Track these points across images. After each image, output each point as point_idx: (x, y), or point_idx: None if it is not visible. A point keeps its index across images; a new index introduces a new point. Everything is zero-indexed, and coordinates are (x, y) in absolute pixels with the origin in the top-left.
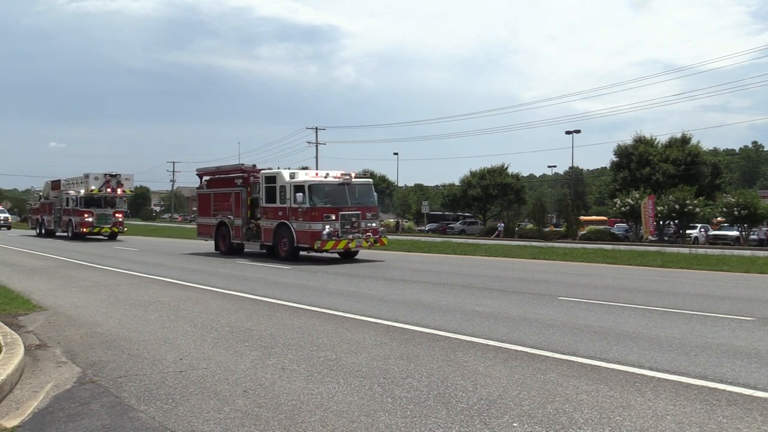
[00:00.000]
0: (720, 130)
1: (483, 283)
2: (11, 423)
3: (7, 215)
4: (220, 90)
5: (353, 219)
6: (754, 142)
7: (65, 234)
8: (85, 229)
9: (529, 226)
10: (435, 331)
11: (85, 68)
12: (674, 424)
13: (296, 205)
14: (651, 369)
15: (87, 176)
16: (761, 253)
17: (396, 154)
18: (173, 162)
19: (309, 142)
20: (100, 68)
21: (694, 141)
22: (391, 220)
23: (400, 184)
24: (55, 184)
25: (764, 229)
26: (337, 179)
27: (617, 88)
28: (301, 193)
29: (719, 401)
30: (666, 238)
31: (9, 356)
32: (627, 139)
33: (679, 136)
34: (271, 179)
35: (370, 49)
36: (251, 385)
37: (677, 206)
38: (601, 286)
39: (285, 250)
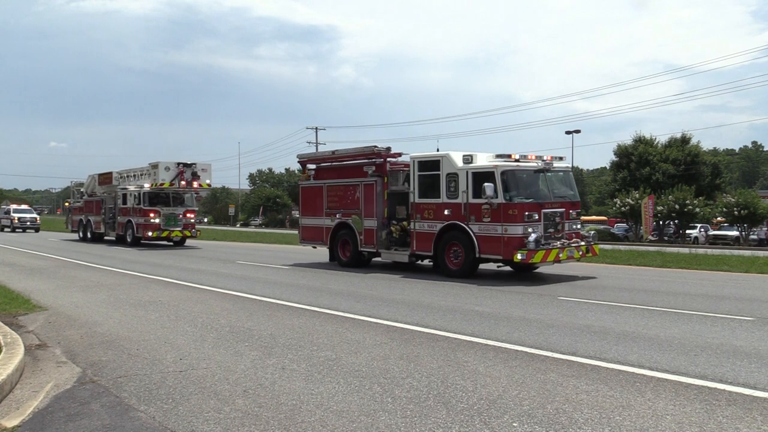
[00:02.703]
0: (720, 130)
1: (480, 282)
2: (11, 423)
3: (35, 215)
4: (220, 90)
5: (557, 219)
6: (754, 142)
7: (114, 239)
8: (150, 233)
9: None
10: (435, 331)
11: (85, 68)
12: (674, 424)
13: (481, 201)
14: (651, 369)
15: (155, 166)
16: (761, 253)
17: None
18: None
19: (309, 142)
20: (100, 68)
21: (694, 141)
22: None
23: None
24: (105, 178)
25: (764, 229)
26: (533, 163)
27: (617, 88)
28: (490, 184)
29: (719, 401)
30: (666, 238)
31: (9, 356)
32: (627, 139)
33: (679, 136)
34: (431, 165)
35: (369, 49)
36: (251, 385)
37: (677, 206)
38: (601, 286)
39: (458, 262)
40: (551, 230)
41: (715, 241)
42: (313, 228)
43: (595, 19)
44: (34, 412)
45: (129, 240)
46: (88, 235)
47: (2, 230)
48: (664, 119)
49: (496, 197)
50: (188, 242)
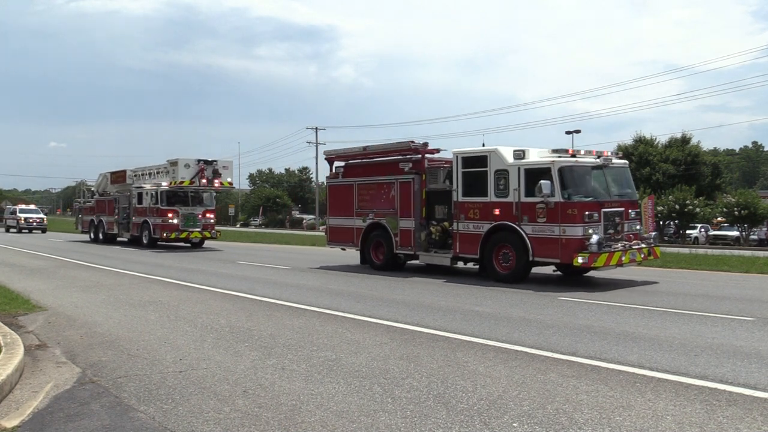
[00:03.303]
0: (720, 130)
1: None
2: (11, 423)
3: (42, 216)
4: (220, 90)
5: (616, 219)
6: (754, 142)
7: (126, 240)
8: (167, 234)
9: None
10: (435, 331)
11: (85, 68)
12: (674, 424)
13: (535, 199)
14: (651, 369)
15: (174, 163)
16: (761, 253)
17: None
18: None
19: (309, 142)
20: (100, 68)
21: (694, 141)
22: None
23: None
24: (118, 176)
25: (764, 229)
26: (591, 159)
27: (617, 88)
28: (546, 181)
29: (719, 401)
30: (666, 238)
31: (9, 356)
32: (627, 139)
33: (679, 136)
34: (478, 161)
35: (369, 49)
36: (251, 385)
37: (677, 206)
38: (600, 286)
39: (508, 265)
40: (611, 231)
41: (715, 242)
42: (343, 229)
43: (595, 19)
44: (34, 413)
45: (145, 241)
46: (100, 236)
47: (8, 231)
48: (664, 119)
49: (553, 195)
50: (206, 243)
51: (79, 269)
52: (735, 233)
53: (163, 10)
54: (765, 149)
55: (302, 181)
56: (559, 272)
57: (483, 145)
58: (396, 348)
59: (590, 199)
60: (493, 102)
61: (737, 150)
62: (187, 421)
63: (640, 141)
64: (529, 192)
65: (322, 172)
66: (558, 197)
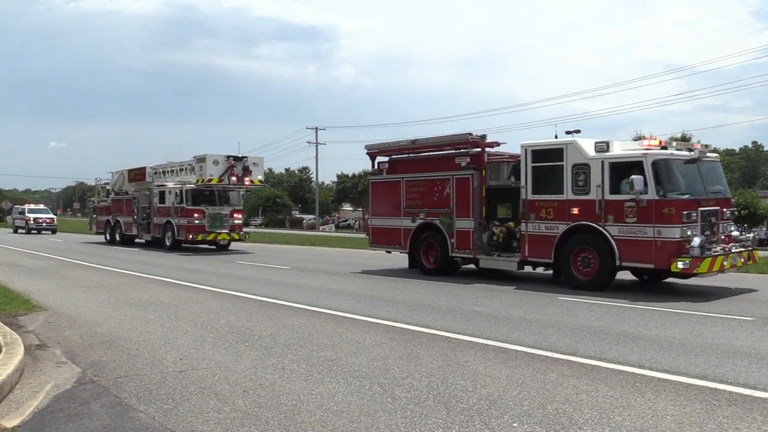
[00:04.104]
0: (720, 130)
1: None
2: (11, 423)
3: (52, 216)
4: (220, 90)
5: (712, 219)
6: (754, 142)
7: (144, 242)
8: (193, 236)
9: None
10: (435, 331)
11: (85, 68)
12: (674, 424)
13: (622, 197)
14: (651, 369)
15: (201, 160)
16: (761, 253)
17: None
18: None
19: (309, 142)
20: (100, 68)
21: (693, 141)
22: None
23: None
24: (136, 174)
25: (764, 229)
26: (684, 152)
27: (617, 88)
28: (638, 176)
29: (719, 401)
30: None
31: (9, 356)
32: (627, 139)
33: (679, 136)
34: (551, 154)
35: (369, 49)
36: (251, 385)
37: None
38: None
39: (588, 271)
40: (707, 233)
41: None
42: (388, 230)
43: (596, 19)
44: (34, 413)
45: (168, 243)
46: (117, 237)
47: (16, 231)
48: (664, 119)
49: (646, 193)
50: (235, 246)
51: (79, 269)
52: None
53: (163, 10)
54: (765, 149)
55: (302, 181)
56: (637, 278)
57: (556, 137)
58: (396, 348)
59: (687, 196)
60: (493, 102)
61: (737, 150)
62: (187, 421)
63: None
64: (615, 189)
65: (322, 172)
66: (652, 194)
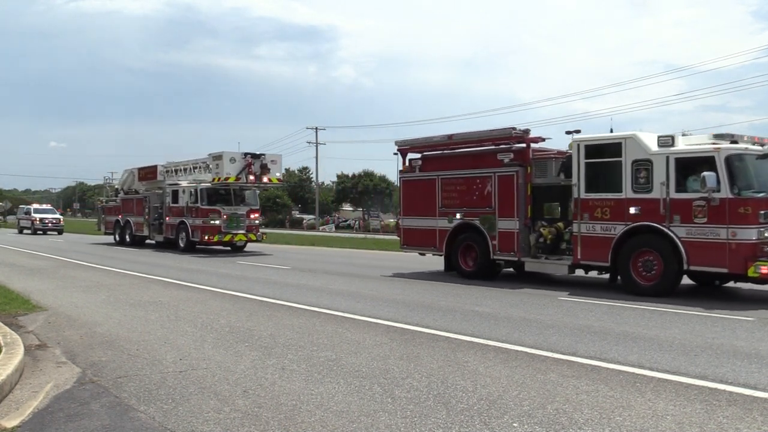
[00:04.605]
0: (720, 130)
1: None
2: (11, 423)
3: (58, 216)
4: (220, 90)
5: None
6: None
7: (155, 243)
8: (209, 237)
9: None
10: (435, 331)
11: (85, 68)
12: (674, 424)
13: (691, 195)
14: (651, 369)
15: (218, 158)
16: None
17: (396, 154)
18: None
19: (309, 142)
20: (100, 68)
21: None
22: (391, 221)
23: None
24: (147, 172)
25: None
26: (756, 147)
27: (617, 88)
28: (711, 173)
29: (719, 401)
30: None
31: (9, 356)
32: None
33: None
34: (608, 149)
35: (369, 49)
36: (251, 385)
37: None
38: (600, 285)
39: (651, 275)
40: None
41: None
42: (421, 231)
43: (596, 19)
44: (34, 413)
45: (182, 245)
46: (127, 238)
47: (21, 232)
48: (664, 119)
49: (719, 191)
50: (253, 247)
51: (79, 269)
52: None
53: (163, 10)
54: None
55: (302, 181)
56: (695, 282)
57: (611, 131)
58: (396, 348)
59: (763, 194)
60: (493, 102)
61: None
62: (187, 421)
63: None
64: (681, 186)
65: (322, 172)
66: (726, 192)
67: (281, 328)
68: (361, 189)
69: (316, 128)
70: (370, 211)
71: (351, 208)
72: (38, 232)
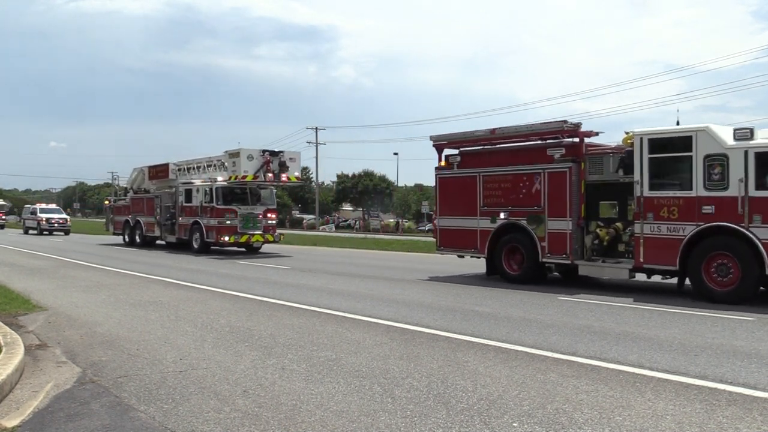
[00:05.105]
0: None
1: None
2: (11, 423)
3: (65, 216)
4: (220, 90)
5: None
6: None
7: (166, 243)
8: (225, 237)
9: None
10: (435, 331)
11: (85, 68)
12: (674, 424)
13: None
14: (651, 369)
15: (235, 155)
16: None
17: (396, 154)
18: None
19: (309, 142)
20: (100, 68)
21: None
22: (391, 221)
23: (400, 184)
24: (158, 171)
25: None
26: None
27: (617, 88)
28: None
29: (719, 401)
30: None
31: (9, 356)
32: None
33: None
34: (676, 144)
35: (369, 49)
36: (251, 385)
37: None
38: (600, 286)
39: (726, 281)
40: None
41: None
42: (460, 231)
43: (596, 19)
44: (34, 412)
45: (196, 246)
46: (137, 238)
47: (26, 233)
48: (664, 119)
49: None
50: (270, 248)
51: (79, 269)
52: None
53: (163, 10)
54: None
55: (302, 180)
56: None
57: (677, 123)
58: (396, 348)
59: None
60: (493, 102)
61: None
62: (188, 421)
63: None
64: (763, 183)
65: (322, 172)
66: None
67: (281, 328)
68: (361, 189)
69: (316, 128)
70: (370, 211)
71: (351, 208)
72: (44, 232)
